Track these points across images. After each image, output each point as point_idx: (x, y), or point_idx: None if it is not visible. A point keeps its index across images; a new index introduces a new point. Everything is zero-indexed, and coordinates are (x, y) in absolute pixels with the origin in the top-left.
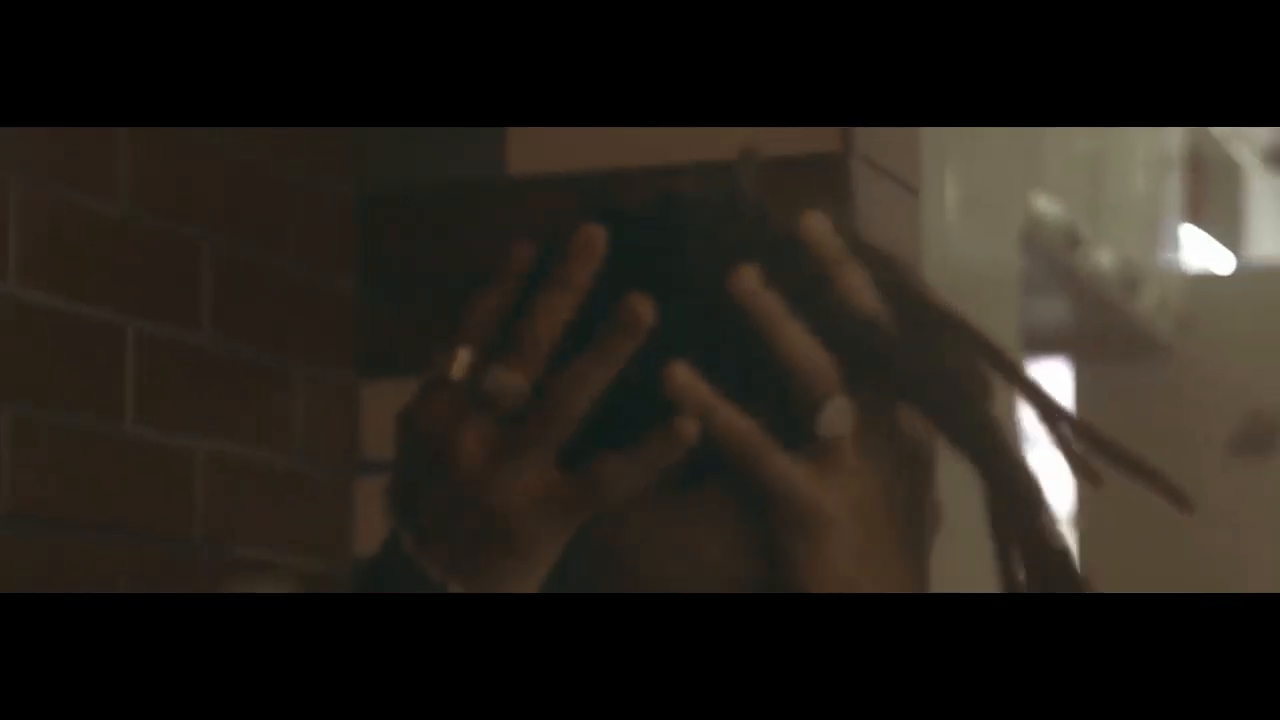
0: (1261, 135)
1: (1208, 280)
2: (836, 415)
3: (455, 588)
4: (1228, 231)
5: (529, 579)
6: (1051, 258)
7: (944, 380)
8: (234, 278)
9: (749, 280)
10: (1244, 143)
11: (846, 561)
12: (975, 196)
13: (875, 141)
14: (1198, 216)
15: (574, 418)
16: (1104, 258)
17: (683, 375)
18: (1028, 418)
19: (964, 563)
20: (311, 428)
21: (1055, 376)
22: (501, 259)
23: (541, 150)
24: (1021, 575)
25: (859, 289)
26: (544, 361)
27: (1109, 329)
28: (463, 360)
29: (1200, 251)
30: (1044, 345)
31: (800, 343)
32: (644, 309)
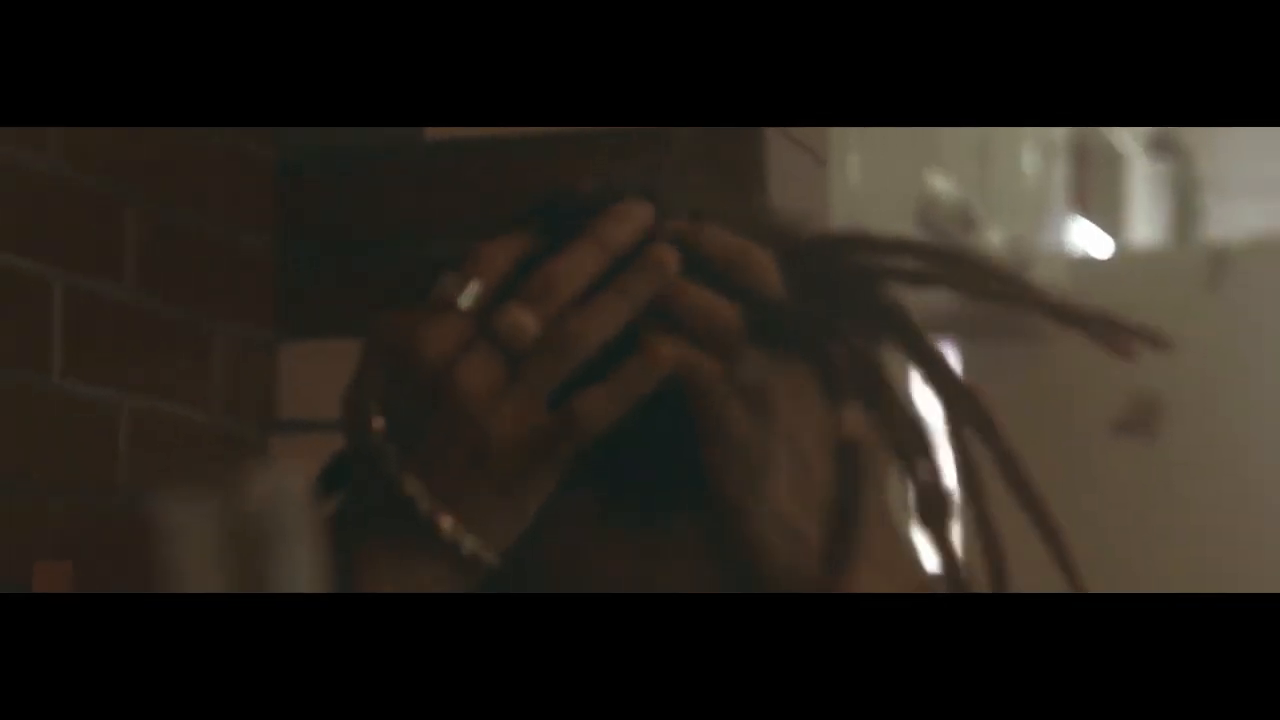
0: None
1: (1090, 264)
2: (750, 366)
3: (444, 522)
4: (1109, 217)
5: (514, 522)
6: (945, 236)
7: (841, 346)
8: (158, 235)
9: (661, 255)
10: (1126, 131)
11: (787, 500)
12: (876, 172)
13: None
14: (1081, 202)
15: (581, 359)
16: (994, 239)
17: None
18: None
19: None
20: (231, 386)
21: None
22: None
23: None
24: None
25: (764, 267)
26: (557, 309)
27: (998, 310)
28: (473, 291)
29: (1083, 236)
30: (933, 324)
31: (705, 300)
32: (669, 256)
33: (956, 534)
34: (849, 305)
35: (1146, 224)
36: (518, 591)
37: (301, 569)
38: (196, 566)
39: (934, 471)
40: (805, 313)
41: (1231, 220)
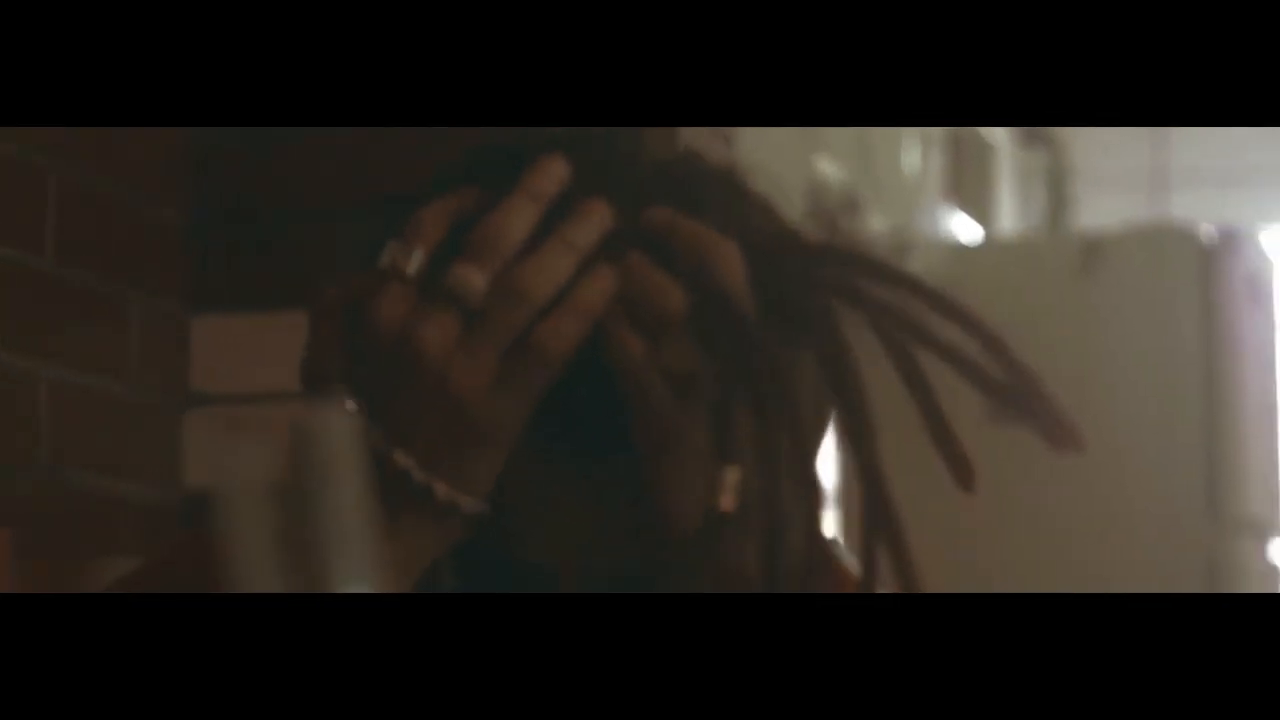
0: None
1: (962, 252)
2: (680, 351)
3: (439, 489)
4: (981, 206)
5: (493, 467)
6: (830, 222)
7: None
8: (77, 207)
9: (593, 205)
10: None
11: (704, 486)
12: (766, 158)
13: None
14: (954, 191)
15: (536, 308)
16: (876, 225)
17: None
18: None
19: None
20: (147, 358)
21: None
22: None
23: None
24: None
25: (728, 261)
26: (503, 264)
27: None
28: (418, 258)
29: (957, 225)
30: None
31: (654, 278)
32: (601, 206)
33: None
34: (798, 314)
35: (1017, 214)
36: (490, 531)
37: (354, 503)
38: (254, 512)
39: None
40: (744, 317)
41: (1105, 212)
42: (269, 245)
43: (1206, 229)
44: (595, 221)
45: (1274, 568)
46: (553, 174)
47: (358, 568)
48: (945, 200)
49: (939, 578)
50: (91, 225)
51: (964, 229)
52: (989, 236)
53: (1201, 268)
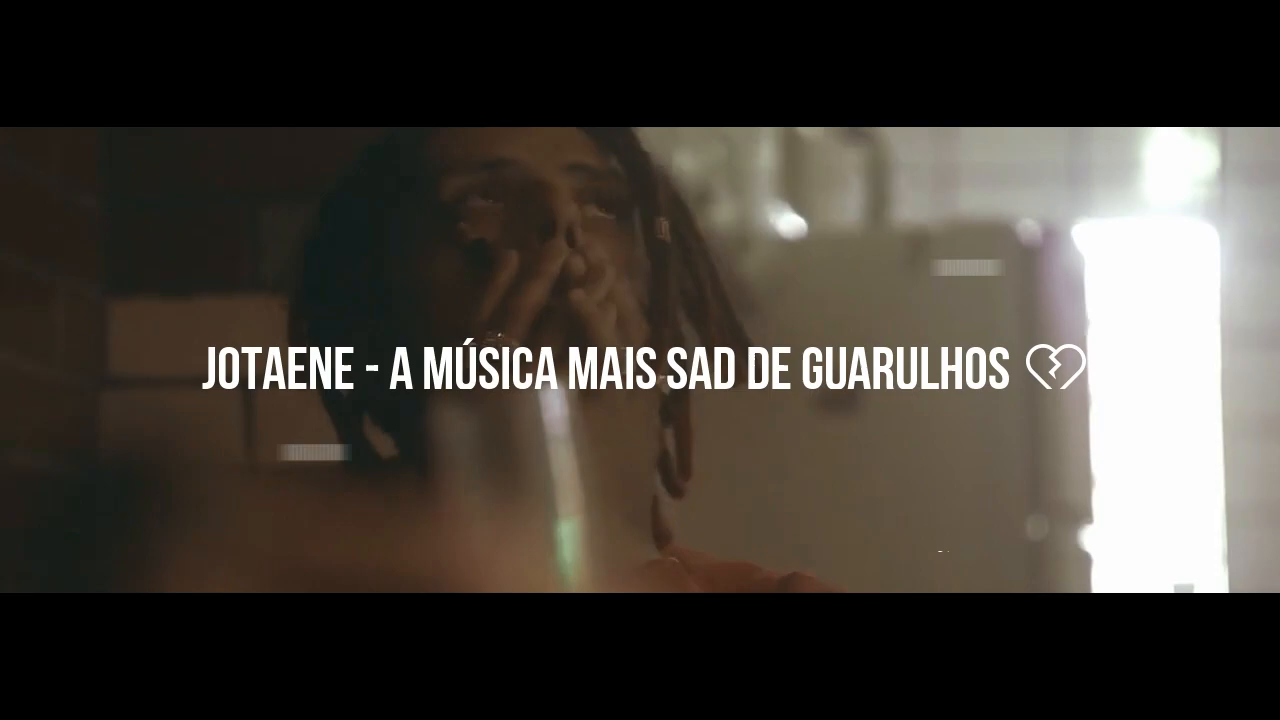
0: None
1: (790, 245)
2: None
3: None
4: (804, 202)
5: None
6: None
7: None
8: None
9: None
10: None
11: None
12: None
13: None
14: (782, 186)
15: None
16: (720, 218)
17: None
18: None
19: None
20: (66, 341)
21: None
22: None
23: None
24: None
25: None
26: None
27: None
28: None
29: (782, 218)
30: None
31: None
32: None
33: None
34: None
35: (841, 210)
36: None
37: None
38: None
39: None
40: None
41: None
42: (187, 230)
43: (1027, 225)
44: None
45: (1088, 553)
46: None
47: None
48: (777, 195)
49: (768, 563)
50: (12, 211)
51: (792, 225)
52: (817, 232)
53: (1022, 262)
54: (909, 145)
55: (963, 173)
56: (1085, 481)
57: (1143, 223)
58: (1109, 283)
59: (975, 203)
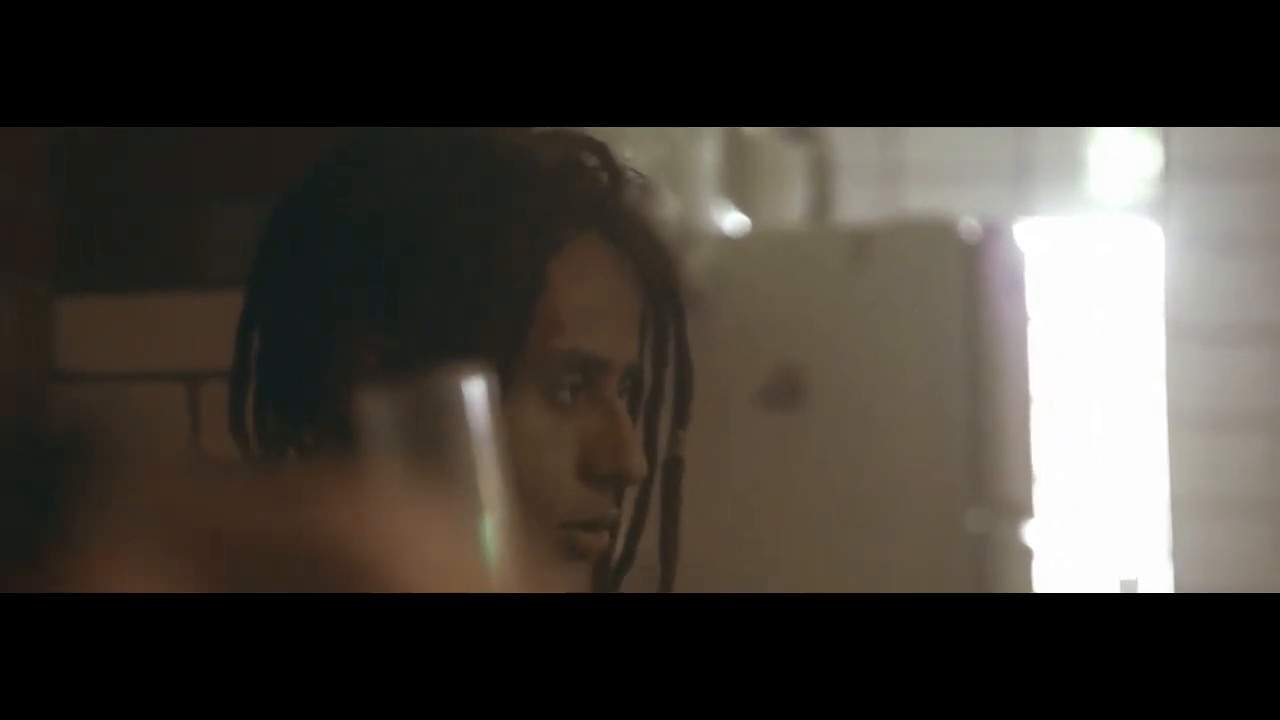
0: None
1: (734, 242)
2: None
3: None
4: (747, 200)
5: None
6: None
7: None
8: None
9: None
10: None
11: None
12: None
13: None
14: (725, 184)
15: None
16: (667, 214)
17: None
18: None
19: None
20: (15, 335)
21: None
22: None
23: None
24: None
25: None
26: None
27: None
28: None
29: (726, 215)
30: None
31: None
32: None
33: None
34: None
35: (783, 207)
36: None
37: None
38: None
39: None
40: None
41: (866, 204)
42: (135, 229)
43: (968, 222)
44: None
45: (1030, 548)
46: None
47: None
48: (720, 192)
49: (713, 560)
50: None
51: (736, 223)
52: (759, 228)
53: (964, 260)
54: (854, 143)
55: (909, 170)
56: (1026, 476)
57: (1087, 219)
58: (1054, 279)
59: (921, 200)
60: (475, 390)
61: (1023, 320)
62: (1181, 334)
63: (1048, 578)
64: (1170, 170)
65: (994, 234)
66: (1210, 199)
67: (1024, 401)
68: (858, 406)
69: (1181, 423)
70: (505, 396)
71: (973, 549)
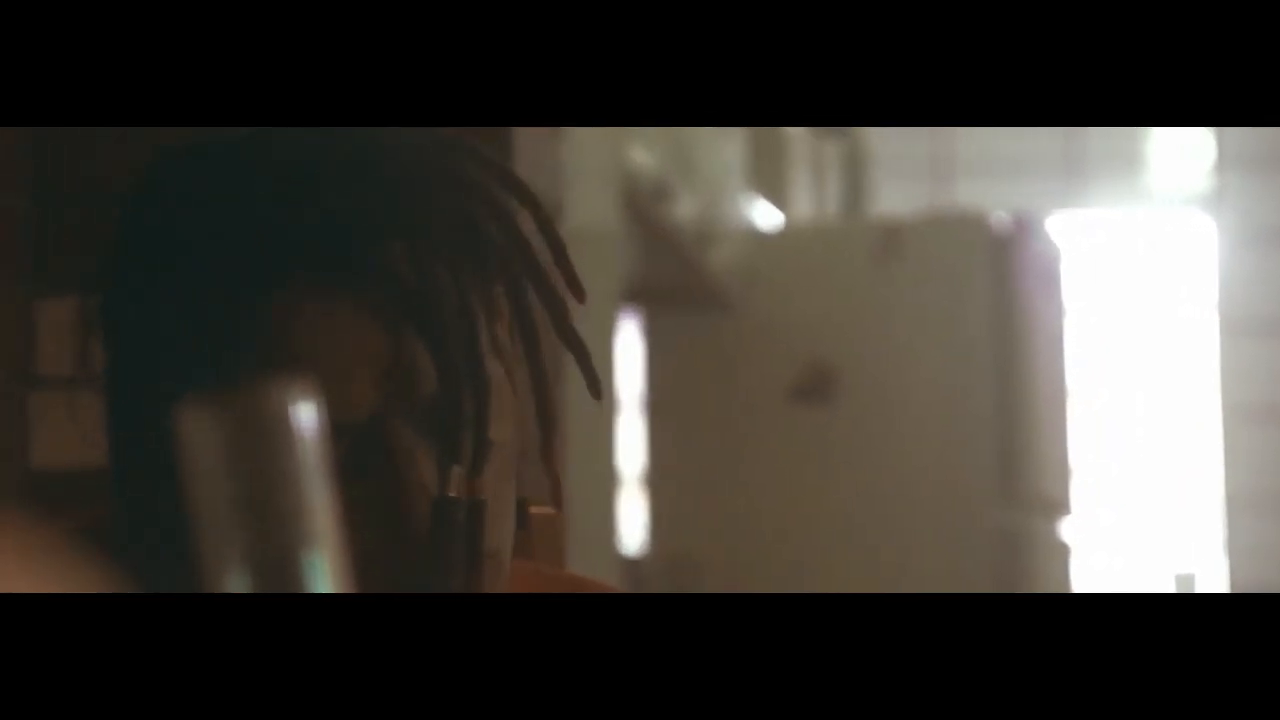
0: None
1: (766, 239)
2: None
3: None
4: (778, 194)
5: None
6: (639, 210)
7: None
8: None
9: None
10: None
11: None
12: (586, 146)
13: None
14: (754, 179)
15: None
16: (682, 213)
17: None
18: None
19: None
20: None
21: (627, 324)
22: None
23: None
24: None
25: None
26: None
27: (684, 282)
28: None
29: (758, 212)
30: (624, 295)
31: None
32: None
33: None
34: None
35: (815, 202)
36: None
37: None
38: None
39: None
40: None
41: (899, 199)
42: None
43: (998, 216)
44: None
45: (1066, 545)
46: None
47: (314, 530)
48: (747, 189)
49: (743, 558)
50: None
51: (766, 217)
52: (790, 224)
53: (994, 254)
54: (903, 138)
55: (958, 165)
56: (1063, 472)
57: (1140, 213)
58: (1105, 273)
59: (970, 195)
60: (303, 410)
61: (1058, 313)
62: (1235, 328)
63: (1096, 575)
64: (1223, 164)
65: (1026, 227)
66: (1264, 192)
67: (1059, 396)
68: (888, 403)
69: (1235, 417)
70: None
71: (1004, 546)
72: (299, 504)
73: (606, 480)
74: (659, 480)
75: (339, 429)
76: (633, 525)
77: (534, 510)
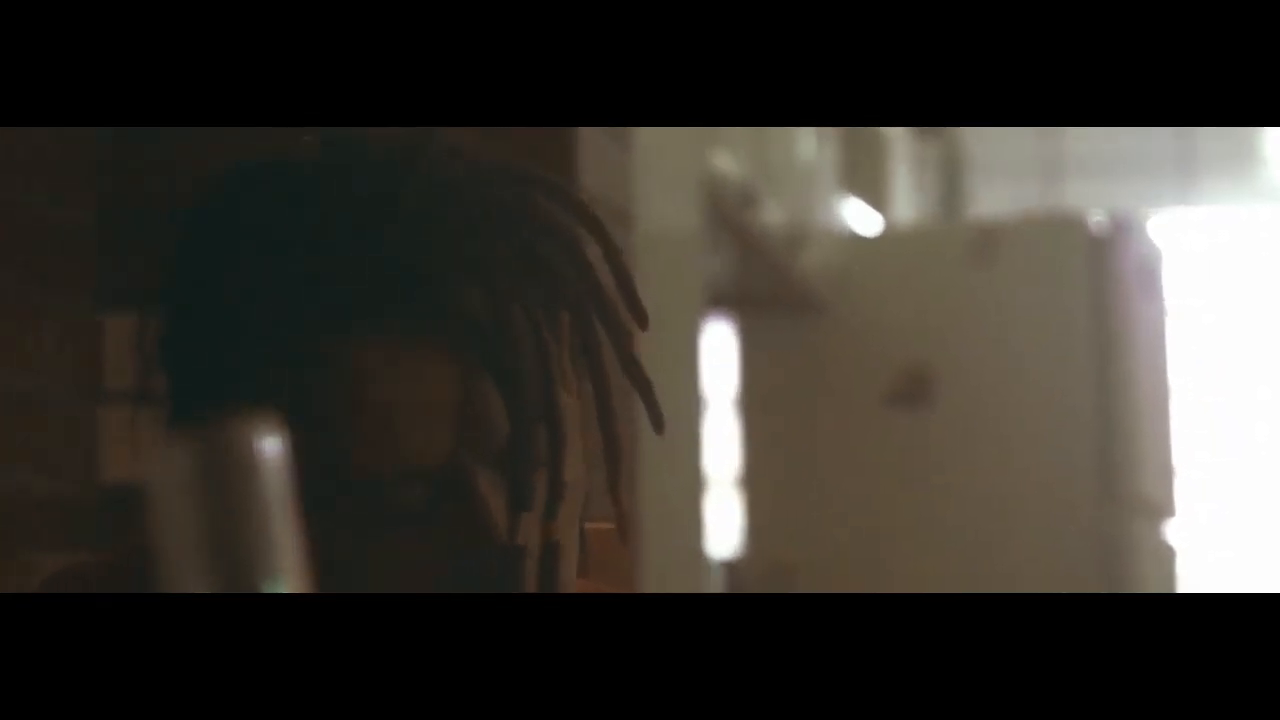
0: None
1: (859, 242)
2: None
3: None
4: (877, 196)
5: None
6: (725, 216)
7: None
8: None
9: None
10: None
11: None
12: (667, 152)
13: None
14: (849, 181)
15: None
16: (772, 217)
17: None
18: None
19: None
20: (60, 357)
21: (720, 331)
22: None
23: None
24: None
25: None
26: None
27: (774, 286)
28: None
29: (852, 215)
30: (711, 300)
31: None
32: None
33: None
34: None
35: (912, 204)
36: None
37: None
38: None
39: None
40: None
41: (998, 200)
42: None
43: (1097, 217)
44: None
45: (1169, 547)
46: None
47: (281, 565)
48: (841, 191)
49: (841, 561)
50: (3, 228)
51: (861, 219)
52: (885, 226)
53: (1092, 255)
54: (1011, 138)
55: (1068, 165)
56: (1165, 474)
57: (1251, 211)
58: (1216, 271)
59: (1079, 196)
60: (270, 446)
61: (1159, 313)
62: None
63: (1199, 578)
64: None
65: (1125, 228)
66: None
67: (1161, 398)
68: (985, 406)
69: None
70: None
71: (1105, 548)
72: (267, 538)
73: (694, 486)
74: (754, 485)
75: (415, 474)
76: (727, 530)
77: (590, 527)
